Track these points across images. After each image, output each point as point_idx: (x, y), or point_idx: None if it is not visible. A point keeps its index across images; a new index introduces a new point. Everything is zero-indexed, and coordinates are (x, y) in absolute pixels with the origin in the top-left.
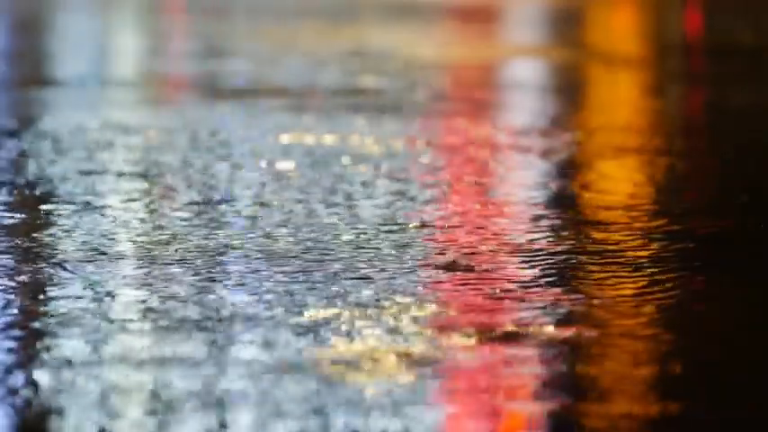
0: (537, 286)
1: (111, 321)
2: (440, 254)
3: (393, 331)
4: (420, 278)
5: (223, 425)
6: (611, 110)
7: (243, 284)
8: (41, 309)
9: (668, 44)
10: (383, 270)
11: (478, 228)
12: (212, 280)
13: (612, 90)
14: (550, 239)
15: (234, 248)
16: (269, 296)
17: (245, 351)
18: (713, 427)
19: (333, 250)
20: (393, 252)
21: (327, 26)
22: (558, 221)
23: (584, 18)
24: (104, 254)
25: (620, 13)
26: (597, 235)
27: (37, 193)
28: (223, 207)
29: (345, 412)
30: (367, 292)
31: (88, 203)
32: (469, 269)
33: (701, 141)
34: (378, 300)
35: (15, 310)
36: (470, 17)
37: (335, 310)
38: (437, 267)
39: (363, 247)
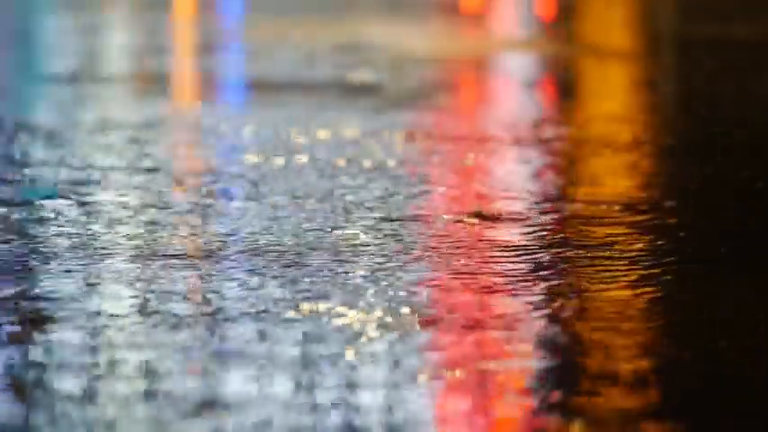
0: (529, 280)
1: (104, 317)
2: (432, 248)
3: (384, 326)
4: (411, 273)
5: (219, 422)
6: (604, 103)
7: (237, 279)
8: (34, 305)
9: (659, 37)
10: (374, 265)
11: (470, 221)
12: (206, 275)
13: (604, 83)
14: (543, 233)
15: (226, 243)
16: (263, 291)
17: (241, 346)
18: (710, 419)
19: (325, 245)
20: (385, 246)
21: (321, 20)
22: (550, 215)
23: (577, 11)
24: (97, 249)
25: (611, 7)
26: (590, 229)
27: (30, 188)
28: (215, 202)
29: (339, 407)
30: (358, 287)
31: (81, 198)
32: (461, 263)
33: (693, 134)
34: (369, 295)
35: (8, 306)
36: (464, 11)
37: (328, 305)
38: (429, 262)
39: (356, 242)
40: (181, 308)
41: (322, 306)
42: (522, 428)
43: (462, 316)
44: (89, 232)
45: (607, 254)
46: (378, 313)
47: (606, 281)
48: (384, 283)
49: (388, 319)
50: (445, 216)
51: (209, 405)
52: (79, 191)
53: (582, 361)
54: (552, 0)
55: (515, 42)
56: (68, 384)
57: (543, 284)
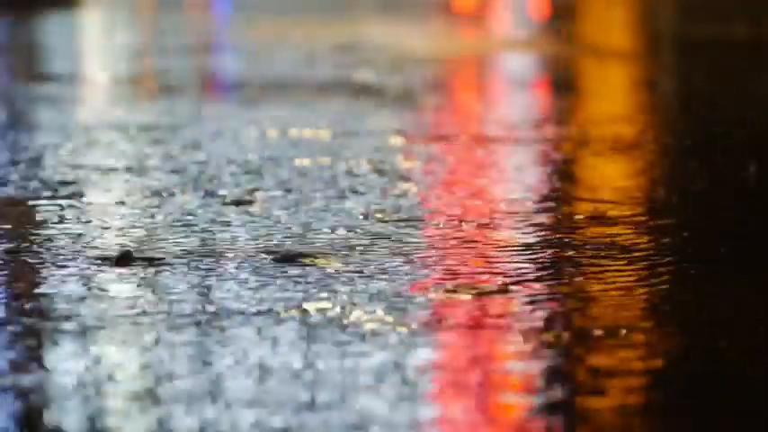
0: (529, 280)
1: (104, 316)
2: (432, 249)
3: (383, 325)
4: (411, 273)
5: (219, 422)
6: (603, 103)
7: (237, 279)
8: (33, 305)
9: (659, 37)
10: (374, 266)
11: (470, 222)
12: (205, 276)
13: (604, 83)
14: (543, 233)
15: (226, 243)
16: (264, 292)
17: (241, 348)
18: (710, 419)
19: (326, 245)
20: (384, 247)
21: (321, 20)
22: (550, 215)
23: (575, 11)
24: (96, 249)
25: (611, 6)
26: (590, 228)
27: (29, 187)
28: (216, 202)
29: (339, 407)
30: (359, 288)
31: (80, 199)
32: (462, 264)
33: (693, 134)
34: (369, 294)
35: (7, 307)
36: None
37: (328, 305)
38: (429, 262)
39: (355, 243)
40: (181, 308)
41: (321, 306)
42: (522, 428)
43: (462, 316)
44: (89, 232)
45: (607, 254)
46: (377, 313)
47: (606, 281)
48: (384, 282)
49: (388, 319)
50: (445, 216)
51: (208, 404)
52: (80, 191)
53: (582, 361)
54: (547, 0)
55: (515, 42)
56: (69, 385)
57: (543, 284)
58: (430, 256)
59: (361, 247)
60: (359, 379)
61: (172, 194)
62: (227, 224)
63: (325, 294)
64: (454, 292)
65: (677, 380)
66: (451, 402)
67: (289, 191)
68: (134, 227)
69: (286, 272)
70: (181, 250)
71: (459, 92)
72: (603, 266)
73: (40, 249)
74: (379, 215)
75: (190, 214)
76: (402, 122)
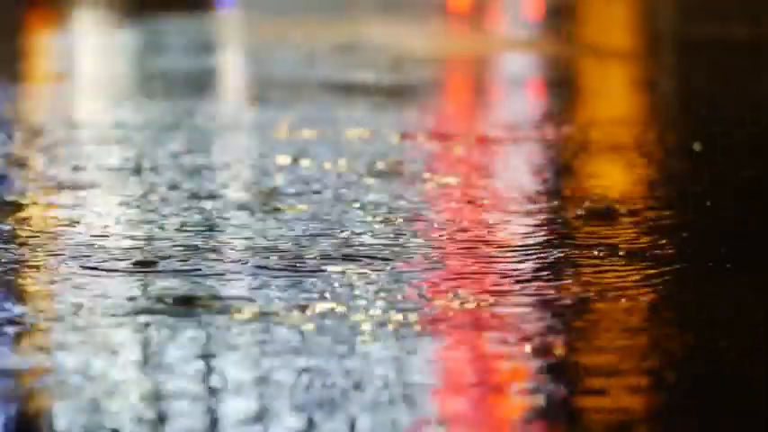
0: (530, 280)
1: (103, 317)
2: (433, 249)
3: (383, 326)
4: (412, 273)
5: (218, 418)
6: (603, 103)
7: (238, 279)
8: (33, 305)
9: (659, 37)
10: (374, 265)
11: (471, 222)
12: (206, 275)
13: (604, 83)
14: (544, 233)
15: (227, 244)
16: (264, 291)
17: (240, 345)
18: (710, 419)
19: (326, 245)
20: (385, 247)
21: (321, 20)
22: (551, 215)
23: (574, 11)
24: (98, 248)
25: (612, 3)
26: (591, 228)
27: (29, 188)
28: (216, 202)
29: (340, 407)
30: (358, 287)
31: (79, 198)
32: (463, 263)
33: (693, 134)
34: (370, 295)
35: (6, 307)
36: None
37: (329, 306)
38: (430, 263)
39: (356, 242)
40: (181, 308)
41: (322, 306)
42: (522, 428)
43: (463, 316)
44: (88, 232)
45: (608, 253)
46: (378, 313)
47: (606, 281)
48: (384, 283)
49: (389, 320)
50: (445, 216)
51: (208, 403)
52: (79, 191)
53: (582, 361)
54: (542, 0)
55: (515, 42)
56: (69, 386)
57: (543, 284)
58: (430, 257)
59: (363, 248)
60: (359, 378)
61: (173, 194)
62: (229, 223)
63: (326, 296)
64: (455, 292)
65: (677, 380)
66: (452, 402)
67: (291, 192)
68: (135, 226)
69: (290, 273)
70: (182, 249)
71: (460, 92)
72: (603, 267)
73: (39, 249)
74: (379, 216)
75: (191, 212)
76: (402, 122)
